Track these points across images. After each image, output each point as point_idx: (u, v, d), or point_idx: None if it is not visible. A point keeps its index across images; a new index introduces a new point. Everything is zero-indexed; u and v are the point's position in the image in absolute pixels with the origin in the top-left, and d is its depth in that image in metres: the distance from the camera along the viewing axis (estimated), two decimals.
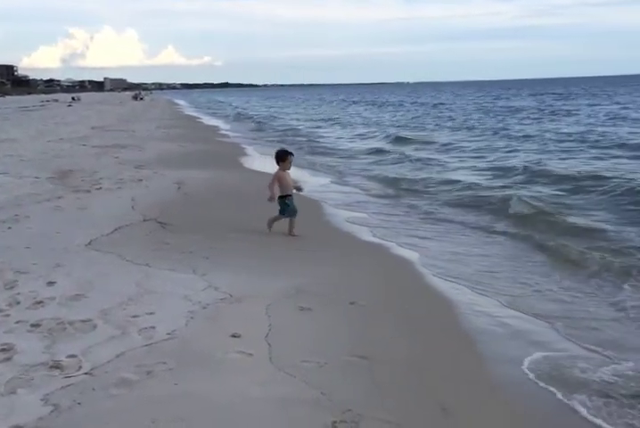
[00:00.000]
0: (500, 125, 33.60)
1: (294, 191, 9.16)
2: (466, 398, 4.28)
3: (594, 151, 20.77)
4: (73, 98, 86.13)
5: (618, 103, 52.35)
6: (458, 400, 4.22)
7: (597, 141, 23.27)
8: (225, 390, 4.14)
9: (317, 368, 4.54)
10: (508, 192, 12.86)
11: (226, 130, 32.69)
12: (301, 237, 8.79)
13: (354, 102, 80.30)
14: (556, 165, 16.92)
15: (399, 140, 26.08)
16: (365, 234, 9.26)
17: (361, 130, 33.57)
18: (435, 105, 61.97)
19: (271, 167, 16.95)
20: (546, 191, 13.18)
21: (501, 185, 14.26)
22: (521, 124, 33.90)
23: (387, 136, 27.92)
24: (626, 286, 6.80)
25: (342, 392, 4.18)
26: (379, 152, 22.08)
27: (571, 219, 10.15)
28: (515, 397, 4.37)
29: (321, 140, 28.11)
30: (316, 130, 34.69)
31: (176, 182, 13.35)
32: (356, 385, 4.33)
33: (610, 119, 35.31)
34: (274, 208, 8.95)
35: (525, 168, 16.16)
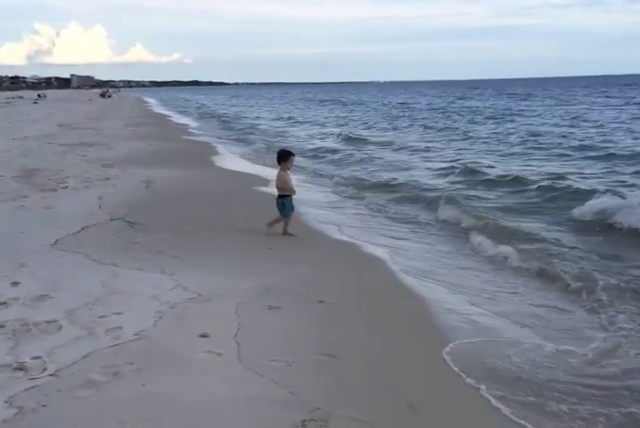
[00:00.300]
0: (456, 125, 33.91)
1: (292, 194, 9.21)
2: (434, 395, 4.32)
3: (541, 153, 20.86)
4: (39, 95, 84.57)
5: (580, 104, 52.99)
6: (426, 398, 4.26)
7: (544, 143, 23.30)
8: (194, 390, 4.11)
9: (286, 367, 4.54)
10: (450, 192, 13.06)
11: (194, 128, 32.48)
12: (271, 236, 8.77)
13: (320, 101, 79.99)
14: (501, 166, 17.13)
15: (353, 140, 26.08)
16: (335, 233, 9.28)
17: (319, 130, 33.49)
18: (395, 105, 61.79)
19: (240, 165, 17.10)
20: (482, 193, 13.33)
21: (443, 183, 14.48)
22: (474, 124, 34.15)
23: (340, 135, 27.88)
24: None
25: (311, 391, 4.19)
26: (334, 151, 21.92)
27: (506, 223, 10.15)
28: (480, 394, 4.42)
29: (283, 138, 28.15)
30: (278, 129, 34.66)
31: (144, 181, 13.21)
32: (325, 384, 4.34)
33: (565, 119, 35.44)
34: (245, 206, 8.90)
35: (465, 168, 16.33)
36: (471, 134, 28.12)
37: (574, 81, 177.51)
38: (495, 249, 8.30)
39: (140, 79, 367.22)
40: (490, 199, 12.63)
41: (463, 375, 4.63)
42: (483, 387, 4.45)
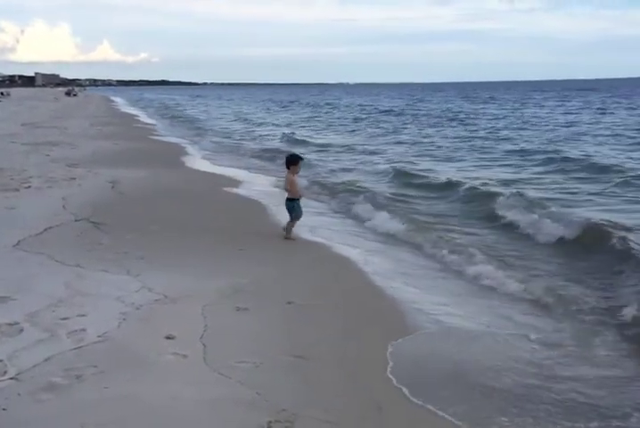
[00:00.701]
0: (404, 127, 34.10)
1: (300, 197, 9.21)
2: (401, 396, 4.33)
3: (479, 156, 20.85)
4: (2, 93, 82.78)
5: (538, 107, 53.48)
6: (393, 398, 4.27)
7: (484, 147, 23.17)
8: (158, 393, 4.06)
9: (253, 369, 4.51)
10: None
11: (157, 127, 32.11)
12: (240, 237, 8.71)
13: (282, 103, 78.93)
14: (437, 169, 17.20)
15: (299, 141, 25.82)
16: (305, 234, 9.26)
17: (271, 131, 33.19)
18: (355, 107, 61.29)
19: (207, 166, 16.97)
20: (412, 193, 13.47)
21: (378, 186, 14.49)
22: (421, 127, 34.05)
23: (285, 136, 27.66)
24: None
25: (278, 392, 4.17)
26: (278, 151, 21.02)
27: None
28: (453, 395, 4.46)
29: (232, 138, 28.03)
30: (233, 129, 34.50)
31: (110, 181, 13.02)
32: (292, 385, 4.33)
33: (516, 123, 35.26)
34: (214, 206, 8.81)
35: (393, 170, 16.38)
36: (414, 137, 28.06)
37: (538, 85, 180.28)
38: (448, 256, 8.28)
39: (106, 78, 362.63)
40: (421, 203, 12.63)
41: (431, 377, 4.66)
42: (450, 389, 4.48)
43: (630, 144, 23.18)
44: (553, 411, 4.20)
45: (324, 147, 23.94)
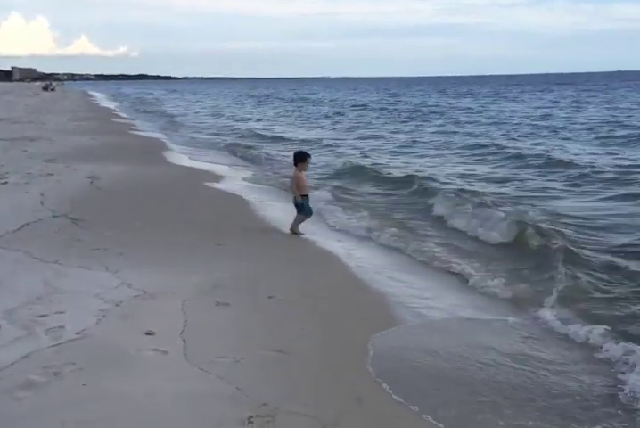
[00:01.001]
0: (370, 121, 33.77)
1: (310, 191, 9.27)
2: (381, 389, 4.35)
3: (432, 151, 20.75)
4: None
5: (512, 101, 53.07)
6: (373, 391, 4.29)
7: (447, 142, 22.76)
8: (138, 389, 4.04)
9: (233, 364, 4.51)
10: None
11: (130, 119, 31.85)
12: (220, 232, 8.68)
13: (258, 97, 77.41)
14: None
15: (263, 136, 25.54)
16: (285, 228, 9.24)
17: (240, 124, 32.84)
18: (326, 102, 60.66)
19: (185, 160, 16.85)
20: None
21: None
22: (389, 121, 33.66)
23: (251, 131, 27.34)
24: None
25: (259, 387, 4.17)
26: (245, 147, 21.01)
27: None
28: (419, 386, 4.49)
29: (200, 130, 28.17)
30: (198, 122, 34.43)
31: (88, 176, 12.89)
32: (273, 379, 4.33)
33: (487, 117, 34.87)
34: (194, 201, 8.77)
35: (350, 165, 16.27)
36: (380, 131, 27.79)
37: (518, 79, 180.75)
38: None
39: (85, 73, 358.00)
40: (371, 197, 12.61)
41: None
42: (430, 381, 4.51)
43: (594, 139, 22.93)
44: (534, 403, 4.25)
45: (287, 141, 23.63)
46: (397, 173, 14.81)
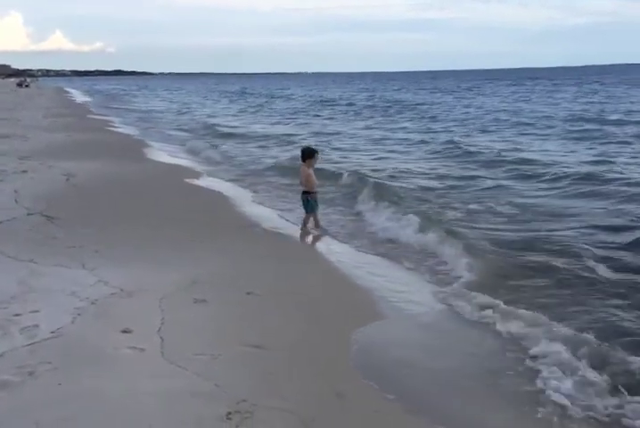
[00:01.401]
0: (330, 117, 33.78)
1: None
2: (360, 382, 4.36)
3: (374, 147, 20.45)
4: None
5: (484, 96, 53.03)
6: (353, 385, 4.30)
7: (403, 138, 22.60)
8: (115, 387, 4.00)
9: (212, 360, 4.48)
10: None
11: (102, 114, 31.52)
12: (197, 228, 8.62)
13: (227, 93, 76.27)
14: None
15: (217, 132, 25.54)
16: (264, 224, 9.21)
17: (197, 118, 33.11)
18: (284, 97, 60.88)
19: (161, 156, 16.70)
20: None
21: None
22: (350, 117, 33.36)
23: (209, 127, 27.33)
24: None
25: (237, 383, 4.16)
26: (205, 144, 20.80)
27: None
28: (401, 380, 4.51)
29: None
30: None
31: (64, 173, 12.72)
32: (251, 375, 4.32)
33: (448, 112, 34.74)
34: (171, 198, 8.67)
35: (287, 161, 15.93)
36: (338, 127, 27.48)
37: (492, 74, 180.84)
38: None
39: (60, 68, 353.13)
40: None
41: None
42: (409, 375, 4.53)
43: (544, 135, 22.44)
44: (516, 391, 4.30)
45: (247, 137, 23.43)
46: (330, 168, 14.55)
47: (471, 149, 18.04)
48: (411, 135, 23.50)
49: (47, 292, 5.74)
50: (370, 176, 13.11)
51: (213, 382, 4.12)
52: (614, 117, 28.15)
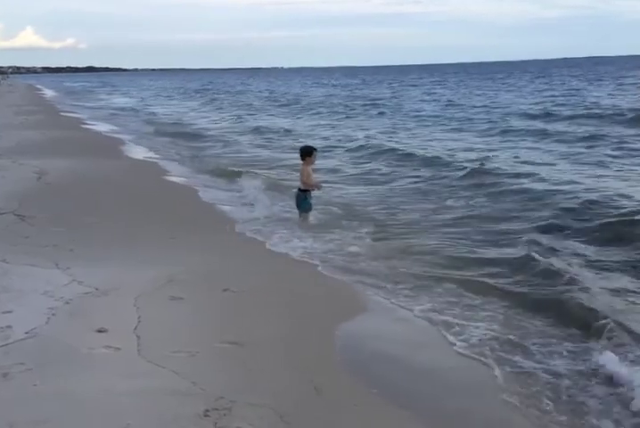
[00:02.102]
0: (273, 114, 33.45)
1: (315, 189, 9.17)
2: (339, 377, 4.37)
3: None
4: None
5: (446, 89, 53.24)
6: (331, 380, 4.31)
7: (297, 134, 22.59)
8: (90, 387, 3.96)
9: (189, 358, 4.46)
10: None
11: (73, 111, 31.10)
12: (172, 225, 8.56)
13: (186, 90, 73.11)
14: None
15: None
16: (239, 222, 9.16)
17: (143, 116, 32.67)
18: (247, 93, 60.71)
19: (136, 153, 16.53)
20: None
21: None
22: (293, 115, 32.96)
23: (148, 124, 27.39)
24: None
25: (215, 380, 4.14)
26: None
27: None
28: (381, 374, 4.53)
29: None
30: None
31: (36, 171, 12.53)
32: (229, 372, 4.31)
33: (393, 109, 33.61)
34: (146, 195, 8.56)
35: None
36: (276, 123, 27.32)
37: (467, 67, 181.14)
38: None
39: (31, 65, 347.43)
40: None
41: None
42: (384, 370, 4.56)
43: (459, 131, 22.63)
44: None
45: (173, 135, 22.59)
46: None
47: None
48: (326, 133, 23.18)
49: (20, 293, 5.66)
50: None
51: (190, 380, 4.10)
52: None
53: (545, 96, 38.35)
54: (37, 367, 4.20)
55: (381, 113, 30.87)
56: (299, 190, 9.09)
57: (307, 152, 9.12)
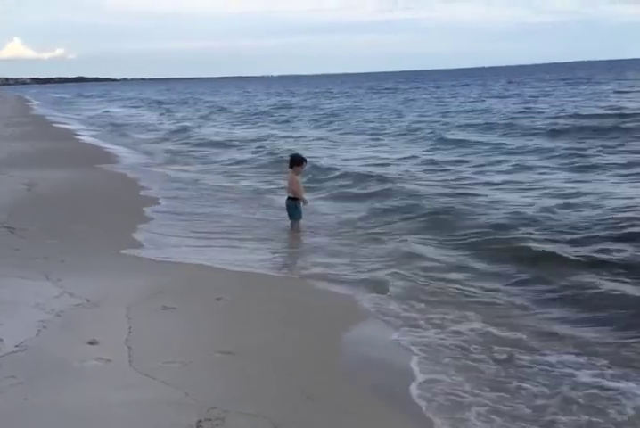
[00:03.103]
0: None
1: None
2: (331, 384, 4.36)
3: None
4: None
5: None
6: (324, 387, 4.30)
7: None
8: (82, 400, 3.94)
9: (181, 368, 4.44)
10: None
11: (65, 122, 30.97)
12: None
13: (148, 101, 68.76)
14: None
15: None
16: (229, 229, 9.17)
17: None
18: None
19: (120, 165, 16.44)
20: None
21: None
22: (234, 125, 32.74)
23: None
24: None
25: (207, 390, 4.12)
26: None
27: None
28: (371, 381, 4.53)
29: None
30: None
31: (26, 183, 12.48)
32: (222, 381, 4.30)
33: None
34: (138, 206, 8.50)
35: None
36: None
37: (455, 73, 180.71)
38: None
39: (20, 76, 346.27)
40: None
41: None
42: (377, 376, 4.56)
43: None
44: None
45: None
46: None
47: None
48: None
49: (10, 305, 5.62)
50: None
51: (183, 391, 4.08)
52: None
53: (463, 108, 34.99)
54: (28, 381, 4.17)
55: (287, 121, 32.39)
56: (289, 198, 9.08)
57: (296, 161, 9.12)
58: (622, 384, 4.39)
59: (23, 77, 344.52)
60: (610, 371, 4.62)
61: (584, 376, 4.53)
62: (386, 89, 72.64)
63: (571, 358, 4.87)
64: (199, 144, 22.54)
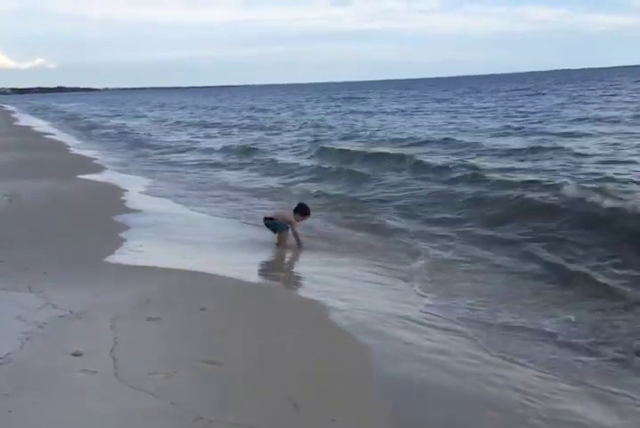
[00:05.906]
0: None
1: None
2: (316, 392, 4.38)
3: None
4: None
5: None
6: (309, 396, 4.32)
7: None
8: (67, 412, 3.92)
9: (166, 379, 4.43)
10: None
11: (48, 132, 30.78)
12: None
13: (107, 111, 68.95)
14: None
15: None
16: (213, 239, 9.16)
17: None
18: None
19: (110, 174, 16.37)
20: None
21: None
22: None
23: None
24: None
25: (193, 400, 4.12)
26: None
27: None
28: (359, 388, 4.56)
29: None
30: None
31: (7, 194, 12.37)
32: (208, 391, 4.29)
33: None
34: (119, 217, 8.44)
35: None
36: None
37: (437, 82, 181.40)
38: None
39: (0, 87, 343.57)
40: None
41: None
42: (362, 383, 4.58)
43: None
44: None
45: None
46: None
47: None
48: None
49: None
50: None
51: (169, 401, 4.08)
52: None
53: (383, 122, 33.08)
54: (13, 393, 4.14)
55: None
56: (266, 218, 9.03)
57: (304, 212, 9.03)
58: None
59: (3, 87, 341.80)
60: None
61: None
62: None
63: None
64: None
